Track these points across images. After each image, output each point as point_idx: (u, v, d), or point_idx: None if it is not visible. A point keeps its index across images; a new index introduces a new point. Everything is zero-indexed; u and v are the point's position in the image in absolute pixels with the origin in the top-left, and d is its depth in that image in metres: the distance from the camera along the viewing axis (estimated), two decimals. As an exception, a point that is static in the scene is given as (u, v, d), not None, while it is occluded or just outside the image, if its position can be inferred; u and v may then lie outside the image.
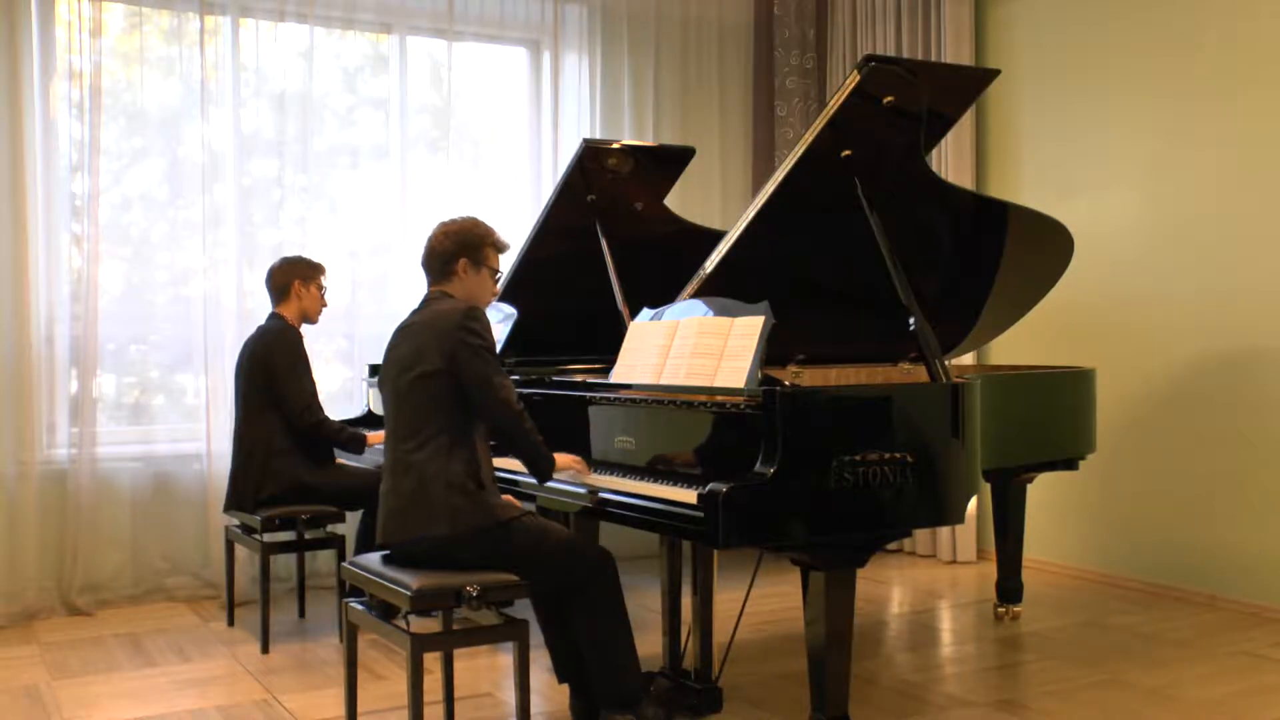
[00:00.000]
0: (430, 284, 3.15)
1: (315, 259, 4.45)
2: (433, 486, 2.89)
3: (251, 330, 4.45)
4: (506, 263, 4.45)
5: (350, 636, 3.08)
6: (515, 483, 3.36)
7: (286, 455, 4.18)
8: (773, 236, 3.41)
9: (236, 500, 4.25)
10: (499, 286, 3.26)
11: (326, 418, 4.24)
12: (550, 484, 3.20)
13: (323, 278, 4.42)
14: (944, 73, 3.70)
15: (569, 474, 3.18)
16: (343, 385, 5.31)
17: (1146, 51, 4.91)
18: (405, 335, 3.07)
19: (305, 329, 4.38)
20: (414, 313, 3.12)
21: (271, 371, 4.18)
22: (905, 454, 2.77)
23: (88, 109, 4.72)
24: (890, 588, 5.14)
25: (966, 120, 5.49)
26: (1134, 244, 4.97)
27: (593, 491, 3.08)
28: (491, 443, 3.07)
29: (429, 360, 2.93)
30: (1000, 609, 4.50)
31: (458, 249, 3.10)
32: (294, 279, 4.33)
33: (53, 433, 4.79)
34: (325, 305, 4.45)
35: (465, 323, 2.94)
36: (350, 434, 4.25)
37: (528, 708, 2.90)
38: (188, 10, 4.97)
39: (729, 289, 3.21)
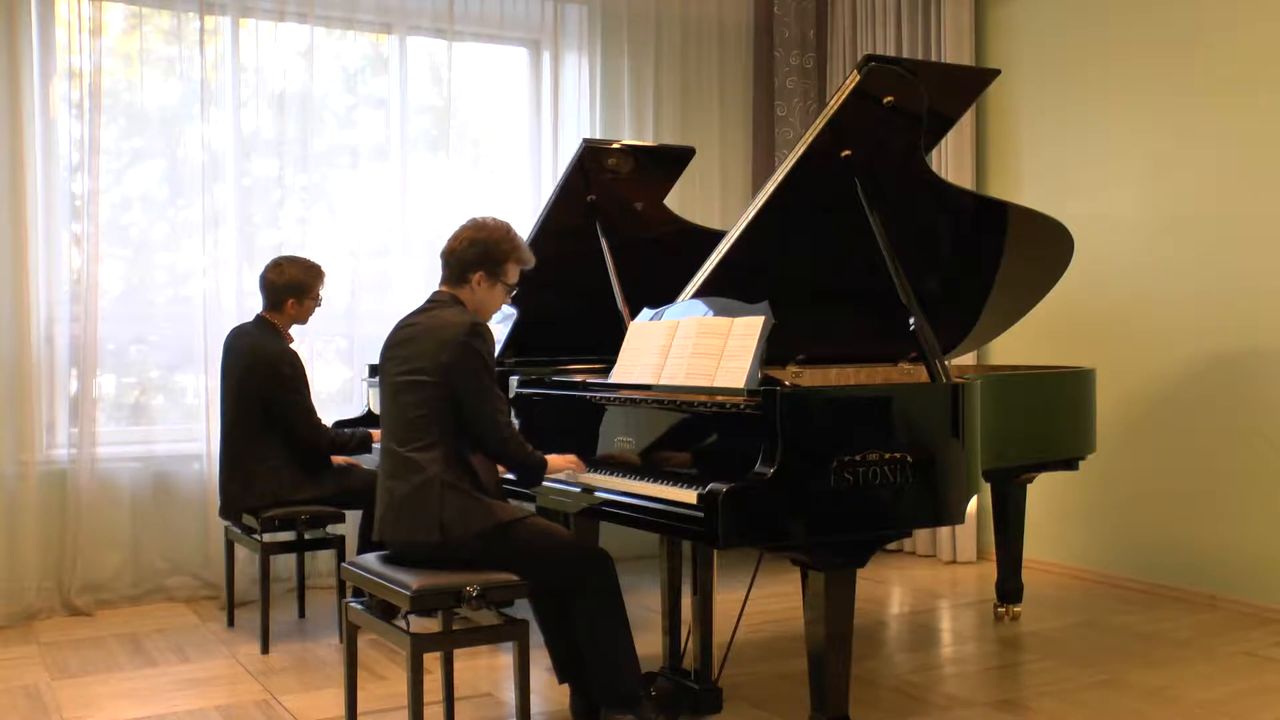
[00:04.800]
0: (442, 281, 3.12)
1: (314, 261, 4.34)
2: (429, 490, 2.88)
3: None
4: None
5: (350, 636, 3.08)
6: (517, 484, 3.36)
7: (279, 471, 4.12)
8: (773, 236, 3.41)
9: (226, 509, 4.24)
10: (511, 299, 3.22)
11: (331, 432, 4.21)
12: (550, 484, 3.21)
13: (320, 288, 4.31)
14: (944, 73, 3.70)
15: (565, 473, 3.18)
16: (342, 385, 5.31)
17: (1146, 51, 4.91)
18: (408, 334, 3.05)
19: (299, 330, 4.34)
20: (419, 311, 3.10)
21: (272, 396, 4.11)
22: (905, 454, 2.77)
23: (88, 109, 4.72)
24: (890, 588, 5.14)
25: (966, 120, 5.49)
26: (1134, 244, 4.97)
27: (592, 492, 3.08)
28: None
29: (427, 370, 2.93)
30: (1000, 609, 4.50)
31: (479, 260, 3.06)
32: (288, 298, 4.23)
33: (53, 433, 4.79)
34: (319, 306, 4.37)
35: (468, 340, 2.91)
36: (359, 439, 4.22)
37: (528, 708, 2.90)
38: (188, 10, 4.97)
39: (729, 289, 3.21)
